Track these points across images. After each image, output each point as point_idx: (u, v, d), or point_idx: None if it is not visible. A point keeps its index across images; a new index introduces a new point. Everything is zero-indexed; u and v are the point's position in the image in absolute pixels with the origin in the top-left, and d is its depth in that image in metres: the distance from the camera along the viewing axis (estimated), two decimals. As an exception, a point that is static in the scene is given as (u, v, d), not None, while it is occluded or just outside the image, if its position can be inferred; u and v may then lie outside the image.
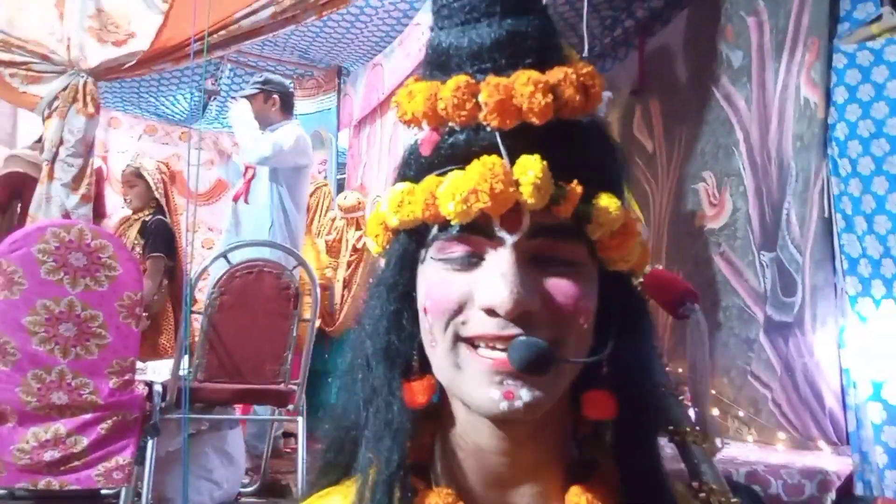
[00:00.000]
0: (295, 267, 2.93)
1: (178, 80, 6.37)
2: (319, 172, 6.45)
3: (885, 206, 2.77)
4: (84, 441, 2.70)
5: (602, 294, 0.62)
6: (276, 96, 4.12)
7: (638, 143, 4.27)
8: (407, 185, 0.63)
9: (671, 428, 0.78)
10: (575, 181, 0.59)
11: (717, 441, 0.82)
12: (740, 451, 2.83)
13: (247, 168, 4.02)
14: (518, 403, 0.56)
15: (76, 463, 2.70)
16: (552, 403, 0.59)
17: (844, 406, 2.86)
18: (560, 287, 0.59)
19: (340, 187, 6.84)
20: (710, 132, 3.72)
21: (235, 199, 3.94)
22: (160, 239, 4.05)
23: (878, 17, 2.92)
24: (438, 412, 0.66)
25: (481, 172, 0.57)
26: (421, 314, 0.62)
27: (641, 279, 0.77)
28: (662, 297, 0.82)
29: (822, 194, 3.01)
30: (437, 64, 0.63)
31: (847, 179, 2.90)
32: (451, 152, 0.61)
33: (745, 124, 3.49)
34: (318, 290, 3.14)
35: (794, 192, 3.14)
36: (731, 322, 3.46)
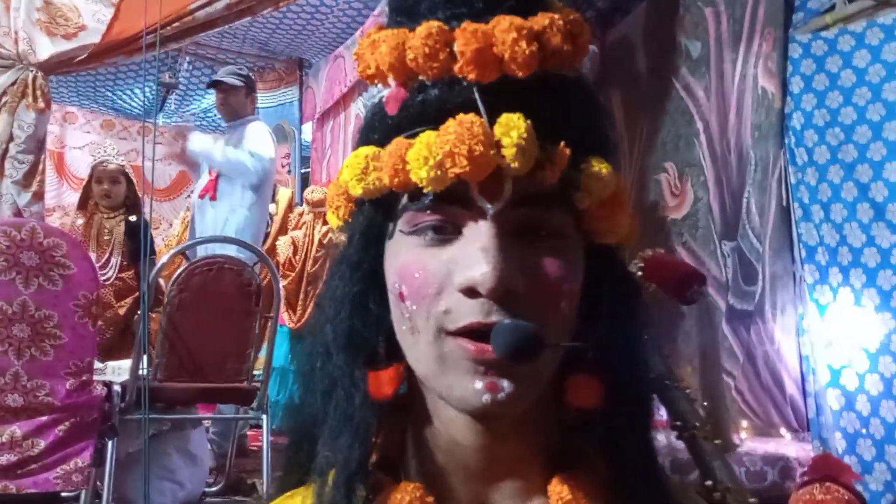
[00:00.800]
0: (256, 263, 2.89)
1: (136, 73, 6.23)
2: (283, 166, 6.38)
3: (841, 195, 2.82)
4: (41, 444, 2.63)
5: (588, 269, 0.56)
6: (255, 94, 4.15)
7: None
8: (372, 148, 0.56)
9: (678, 424, 0.71)
10: (562, 143, 0.52)
11: (735, 437, 0.75)
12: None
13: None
14: (501, 395, 0.51)
15: (34, 466, 2.63)
16: (536, 394, 0.54)
17: (804, 393, 2.91)
18: (546, 265, 0.53)
19: (305, 181, 6.78)
20: (671, 123, 3.75)
21: (201, 196, 3.88)
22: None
23: (832, 7, 2.96)
24: (409, 403, 0.60)
25: (458, 133, 0.50)
26: (393, 298, 0.55)
27: (642, 264, 0.72)
28: (666, 281, 0.75)
29: (780, 183, 3.05)
30: (404, 8, 0.56)
31: (804, 168, 2.94)
32: (421, 111, 0.53)
33: (705, 114, 3.52)
34: (280, 286, 3.10)
35: (754, 181, 3.19)
36: (693, 311, 3.51)
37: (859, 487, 2.44)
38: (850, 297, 2.74)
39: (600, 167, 0.54)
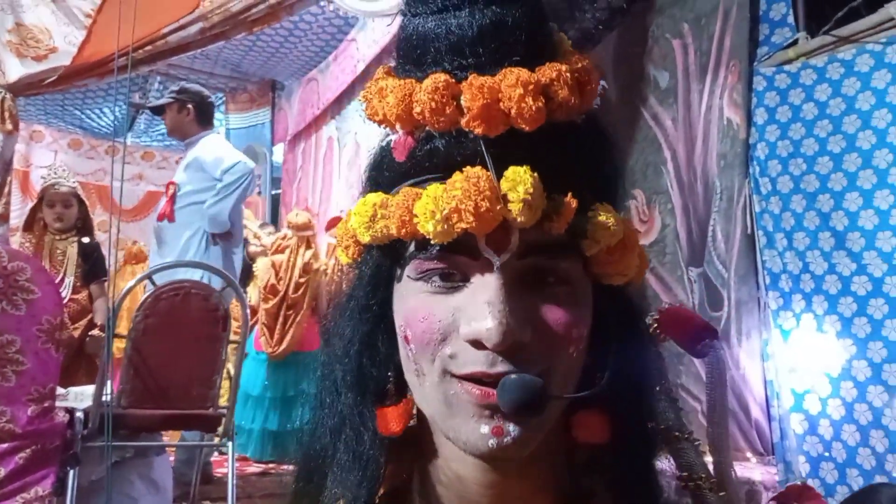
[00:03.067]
0: (224, 288, 2.86)
1: (105, 92, 6.19)
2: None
3: (804, 223, 2.88)
4: (1, 472, 2.56)
5: (596, 309, 0.56)
6: (189, 106, 3.85)
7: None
8: (380, 196, 0.56)
9: (685, 474, 0.70)
10: (570, 194, 0.52)
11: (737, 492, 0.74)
12: (671, 465, 2.88)
13: (168, 184, 3.86)
14: (507, 440, 0.51)
15: (-7, 494, 2.56)
16: (542, 437, 0.54)
17: (769, 417, 2.95)
18: (553, 313, 0.53)
19: (275, 202, 6.76)
20: (640, 151, 3.82)
21: (160, 219, 3.79)
22: (102, 262, 3.94)
23: (795, 42, 3.05)
24: (417, 437, 0.60)
25: (464, 189, 0.50)
26: (401, 341, 0.56)
27: (657, 316, 0.70)
28: (678, 334, 0.75)
29: (744, 211, 3.12)
30: (412, 57, 0.55)
31: (767, 197, 3.01)
32: (429, 160, 0.54)
33: (672, 143, 3.59)
34: (248, 311, 3.07)
35: (719, 209, 3.25)
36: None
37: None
38: (813, 323, 2.80)
39: (607, 216, 0.54)
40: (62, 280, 4.01)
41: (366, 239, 0.57)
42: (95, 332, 3.88)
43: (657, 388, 0.62)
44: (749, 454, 2.92)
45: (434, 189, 0.52)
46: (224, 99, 6.81)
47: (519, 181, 0.50)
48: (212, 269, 3.04)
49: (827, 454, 2.69)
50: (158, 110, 3.98)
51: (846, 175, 2.81)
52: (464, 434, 0.52)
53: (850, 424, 2.64)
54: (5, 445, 2.58)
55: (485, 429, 0.51)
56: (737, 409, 3.06)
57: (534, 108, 0.51)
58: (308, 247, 4.82)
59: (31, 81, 3.37)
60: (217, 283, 3.01)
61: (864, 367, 2.64)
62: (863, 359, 2.64)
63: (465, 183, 0.50)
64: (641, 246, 0.59)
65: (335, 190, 5.96)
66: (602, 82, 0.59)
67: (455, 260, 0.53)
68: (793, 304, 2.87)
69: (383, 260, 0.57)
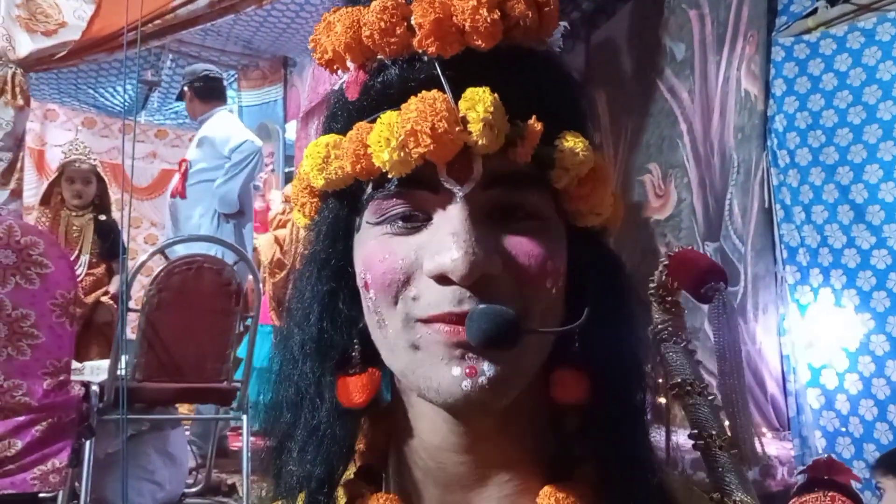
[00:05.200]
0: (237, 262, 2.86)
1: (118, 70, 6.17)
2: (267, 165, 6.34)
3: (822, 196, 2.84)
4: (18, 444, 2.59)
5: (572, 255, 0.52)
6: (185, 89, 3.95)
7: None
8: (332, 136, 0.52)
9: (695, 432, 0.63)
10: (533, 117, 0.48)
11: (758, 447, 0.66)
12: (686, 439, 2.87)
13: (181, 162, 3.88)
14: (482, 380, 0.46)
15: (11, 466, 2.59)
16: (522, 384, 0.49)
17: (785, 392, 2.93)
18: (523, 245, 0.48)
19: (289, 179, 6.74)
20: (655, 124, 3.77)
21: (172, 196, 3.81)
22: (118, 239, 3.98)
23: (814, 11, 2.98)
24: (391, 411, 0.56)
25: (420, 110, 0.46)
26: (362, 291, 0.51)
27: (667, 262, 0.64)
28: (682, 277, 0.69)
29: (762, 185, 3.07)
30: None
31: (786, 170, 2.96)
32: (383, 92, 0.50)
33: (689, 116, 3.54)
34: (261, 285, 3.08)
35: (736, 183, 3.20)
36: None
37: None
38: (831, 298, 2.76)
39: (576, 142, 0.50)
40: (77, 257, 4.03)
41: (319, 182, 0.52)
42: (105, 298, 3.91)
43: (640, 343, 0.57)
44: (765, 429, 2.90)
45: (388, 116, 0.48)
46: (236, 76, 6.78)
47: (478, 100, 0.47)
48: (225, 243, 3.05)
49: (844, 429, 2.66)
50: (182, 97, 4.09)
51: (866, 147, 2.75)
52: (435, 380, 0.47)
53: (867, 399, 2.61)
54: (22, 418, 2.61)
55: (457, 370, 0.47)
56: (753, 384, 3.03)
57: (489, 20, 0.47)
58: None
59: (41, 57, 3.36)
60: (230, 258, 3.02)
61: (883, 342, 2.60)
62: (881, 333, 2.60)
63: (421, 105, 0.47)
64: (615, 192, 0.55)
65: (348, 167, 5.94)
66: (564, 23, 0.55)
67: (415, 195, 0.49)
68: (810, 278, 2.83)
69: (340, 209, 0.53)
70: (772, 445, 2.80)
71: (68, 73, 6.17)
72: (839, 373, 2.70)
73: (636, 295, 0.59)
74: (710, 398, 0.64)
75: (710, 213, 3.39)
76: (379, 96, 0.50)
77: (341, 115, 0.53)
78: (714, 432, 0.64)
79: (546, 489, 0.52)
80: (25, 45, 3.37)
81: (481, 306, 0.46)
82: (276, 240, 4.78)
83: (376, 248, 0.50)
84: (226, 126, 3.84)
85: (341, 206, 0.53)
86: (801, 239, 2.87)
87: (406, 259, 0.49)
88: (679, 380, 0.66)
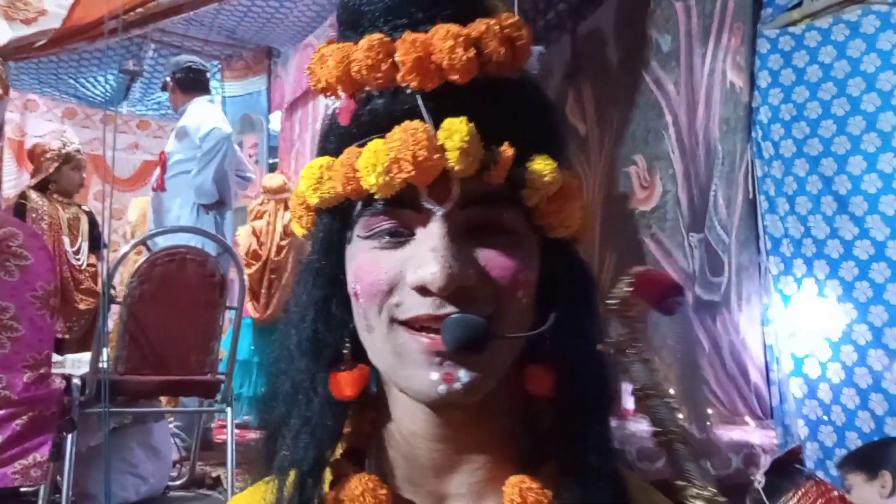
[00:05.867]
0: (220, 254, 2.83)
1: (99, 60, 6.09)
2: (251, 156, 6.29)
3: (806, 188, 2.85)
4: (-2, 438, 2.56)
5: (544, 264, 0.58)
6: (167, 80, 3.90)
7: (570, 127, 4.29)
8: (326, 159, 0.58)
9: (658, 430, 0.71)
10: (506, 143, 0.54)
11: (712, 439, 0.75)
12: (638, 428, 2.89)
13: (160, 154, 3.84)
14: (457, 385, 0.52)
15: (-9, 461, 2.56)
16: (493, 383, 0.55)
17: (768, 381, 2.95)
18: (497, 259, 0.54)
19: (272, 170, 6.69)
20: (641, 116, 3.77)
21: (153, 189, 3.77)
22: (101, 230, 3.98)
23: (799, 3, 3.00)
24: (377, 400, 0.62)
25: (402, 139, 0.52)
26: (353, 299, 0.57)
27: (633, 280, 0.72)
28: (648, 294, 0.77)
29: (746, 176, 3.08)
30: (349, 23, 0.58)
31: (770, 162, 2.97)
32: (370, 120, 0.55)
33: (674, 108, 3.55)
34: (245, 277, 3.05)
35: (721, 174, 3.21)
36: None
37: (819, 473, 2.48)
38: (814, 288, 2.78)
39: (544, 164, 0.55)
40: (80, 248, 4.03)
41: (314, 200, 0.58)
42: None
43: (605, 346, 0.64)
44: (748, 418, 2.92)
45: (374, 144, 0.54)
46: (220, 66, 6.71)
47: (455, 130, 0.52)
48: (209, 234, 3.01)
49: (826, 418, 2.69)
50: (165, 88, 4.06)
51: (850, 138, 2.77)
52: (415, 383, 0.54)
53: (849, 388, 2.64)
54: (2, 412, 2.57)
55: (434, 375, 0.53)
56: (736, 373, 3.06)
57: (464, 58, 0.53)
58: (286, 208, 4.77)
59: (20, 45, 3.31)
60: (211, 249, 2.99)
61: (865, 331, 2.63)
62: (864, 322, 2.63)
63: (403, 134, 0.52)
64: (585, 203, 0.61)
65: (333, 158, 5.91)
66: (538, 47, 0.61)
67: (400, 214, 0.55)
68: (794, 268, 2.85)
69: (333, 223, 0.59)
70: (755, 434, 2.83)
71: (48, 62, 6.08)
72: (822, 362, 2.72)
73: (599, 300, 0.65)
74: (666, 400, 0.70)
75: (694, 204, 3.40)
76: (367, 123, 0.56)
77: (334, 138, 0.59)
78: (675, 430, 0.70)
79: (513, 478, 0.57)
80: (4, 33, 3.31)
81: (454, 315, 0.52)
82: (254, 231, 4.72)
83: (365, 262, 0.56)
84: (198, 115, 3.78)
85: (334, 220, 0.59)
86: (785, 230, 2.89)
87: (390, 272, 0.55)
88: (639, 386, 0.72)
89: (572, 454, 0.58)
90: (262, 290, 4.59)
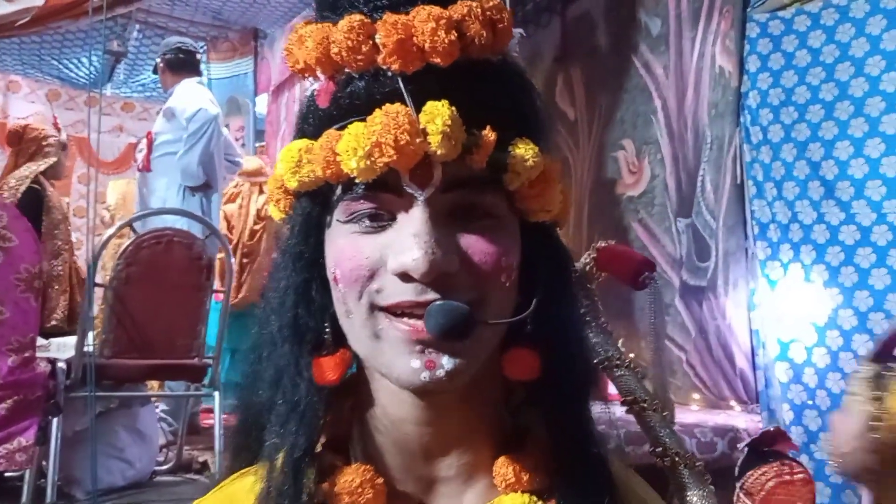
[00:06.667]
0: (207, 236, 2.81)
1: (83, 40, 6.00)
2: (237, 139, 6.23)
3: (793, 173, 2.86)
4: (-17, 423, 2.54)
5: (525, 247, 0.58)
6: (157, 61, 3.94)
7: (560, 111, 4.27)
8: (305, 141, 0.57)
9: (629, 398, 0.72)
10: (488, 127, 0.53)
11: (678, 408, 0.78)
12: (622, 413, 2.91)
13: (147, 134, 3.81)
14: (440, 372, 0.52)
15: (-24, 446, 2.54)
16: (476, 369, 0.55)
17: (754, 366, 2.97)
18: (479, 243, 0.54)
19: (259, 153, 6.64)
20: (630, 100, 3.76)
21: (139, 170, 3.75)
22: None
23: (789, -13, 2.98)
24: (355, 385, 0.61)
25: (384, 123, 0.51)
26: (332, 284, 0.57)
27: (594, 255, 0.73)
28: (619, 269, 0.79)
29: (735, 161, 3.08)
30: (328, 3, 0.57)
31: (758, 146, 2.97)
32: (350, 102, 0.55)
33: (663, 92, 3.54)
34: (232, 260, 3.03)
35: (709, 159, 3.21)
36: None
37: (804, 457, 2.51)
38: (800, 273, 2.79)
39: (526, 149, 0.55)
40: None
41: (293, 184, 0.57)
42: None
43: (585, 325, 0.66)
44: (733, 402, 2.94)
45: (355, 127, 0.53)
46: (205, 48, 6.63)
47: (437, 114, 0.51)
48: (195, 217, 2.99)
49: (811, 402, 2.71)
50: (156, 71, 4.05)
51: (838, 123, 2.77)
52: (396, 370, 0.53)
53: (834, 373, 2.66)
54: (-14, 396, 2.55)
55: (416, 363, 0.52)
56: (722, 358, 3.07)
57: (446, 41, 0.52)
58: (261, 192, 4.72)
59: (2, 24, 3.25)
60: (196, 231, 2.96)
61: (850, 316, 2.64)
62: (849, 307, 2.64)
63: (385, 118, 0.51)
64: (565, 185, 0.61)
65: (320, 142, 5.87)
66: (518, 30, 0.61)
67: (381, 198, 0.54)
68: (780, 253, 2.86)
69: (312, 207, 0.58)
70: (740, 418, 2.85)
71: (31, 42, 5.99)
72: (807, 347, 2.74)
73: (582, 284, 0.68)
74: (633, 369, 0.73)
75: (682, 189, 3.40)
76: (347, 106, 0.55)
77: (312, 120, 0.58)
78: (646, 398, 0.73)
79: (502, 459, 0.58)
80: (-15, 11, 3.25)
81: (438, 302, 0.52)
82: (225, 216, 4.60)
83: (345, 246, 0.55)
84: (186, 95, 3.77)
85: (313, 205, 0.58)
86: (773, 215, 2.90)
87: (371, 257, 0.54)
88: (603, 357, 0.75)
89: (560, 433, 0.59)
90: (234, 275, 4.55)
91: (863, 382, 1.16)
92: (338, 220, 0.56)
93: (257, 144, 6.58)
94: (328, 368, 0.58)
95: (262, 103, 6.73)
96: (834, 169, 2.75)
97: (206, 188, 3.68)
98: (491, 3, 0.56)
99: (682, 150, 3.41)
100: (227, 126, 4.74)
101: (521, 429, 0.61)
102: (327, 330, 0.59)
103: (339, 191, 0.56)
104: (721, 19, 3.20)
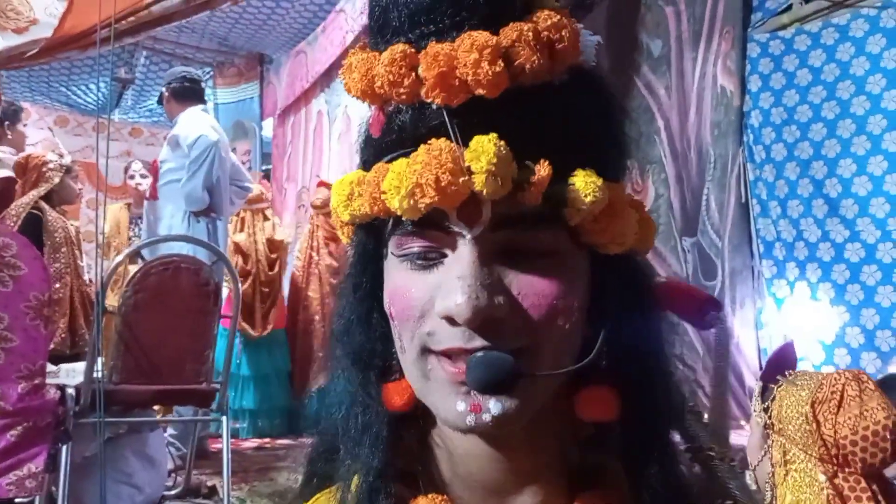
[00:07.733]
0: (214, 262, 2.83)
1: (91, 68, 6.08)
2: (244, 163, 6.28)
3: (797, 191, 2.87)
4: (-8, 450, 2.55)
5: (600, 280, 0.53)
6: (163, 90, 3.95)
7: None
8: (357, 173, 0.55)
9: (695, 446, 0.68)
10: (543, 161, 0.49)
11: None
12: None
13: (153, 162, 3.85)
14: (486, 417, 0.49)
15: (-15, 473, 2.54)
16: (529, 416, 0.51)
17: (762, 385, 2.96)
18: (532, 286, 0.50)
19: (267, 178, 6.69)
20: (633, 120, 3.78)
21: (146, 198, 3.78)
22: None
23: (789, 7, 3.01)
24: (422, 416, 0.59)
25: (425, 161, 0.48)
26: (389, 317, 0.55)
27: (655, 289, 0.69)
28: (682, 307, 0.72)
29: (738, 180, 3.10)
30: (377, 27, 0.53)
31: (762, 165, 2.99)
32: (398, 135, 0.52)
33: (666, 112, 3.56)
34: (240, 286, 3.05)
35: (713, 178, 3.23)
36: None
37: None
38: (807, 291, 2.79)
39: (587, 182, 0.50)
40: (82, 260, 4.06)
41: (345, 217, 0.56)
42: None
43: (668, 359, 0.58)
44: (743, 422, 2.93)
45: (399, 165, 0.50)
46: (212, 73, 6.71)
47: (482, 151, 0.48)
48: (203, 243, 3.01)
49: (820, 421, 2.69)
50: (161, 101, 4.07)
51: (840, 141, 2.79)
52: (442, 410, 0.52)
53: (843, 391, 2.64)
54: (-4, 423, 2.56)
55: (461, 406, 0.50)
56: (731, 377, 3.06)
57: (490, 73, 0.48)
58: (266, 219, 4.74)
59: (11, 54, 3.30)
60: (205, 257, 2.98)
61: (858, 334, 2.64)
62: (856, 325, 2.64)
63: (427, 156, 0.48)
64: (646, 212, 0.56)
65: (326, 164, 5.91)
66: (595, 37, 0.55)
67: (430, 234, 0.51)
68: (786, 272, 2.86)
69: (368, 238, 0.57)
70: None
71: (40, 70, 6.07)
72: (815, 365, 2.73)
73: (662, 311, 0.60)
74: (698, 415, 0.68)
75: (687, 208, 3.41)
76: (395, 139, 0.52)
77: (367, 149, 0.56)
78: (713, 446, 0.68)
79: (582, 496, 0.55)
80: (-5, 42, 3.30)
81: (479, 354, 0.49)
82: (237, 248, 4.56)
83: (397, 284, 0.53)
84: (188, 123, 3.80)
85: (368, 236, 0.57)
86: (777, 233, 2.90)
87: (421, 298, 0.52)
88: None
89: (636, 478, 0.55)
90: (257, 306, 4.53)
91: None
92: (392, 254, 0.54)
93: (264, 167, 6.64)
94: (395, 394, 0.57)
95: (268, 127, 6.79)
96: (838, 187, 2.76)
97: (210, 213, 3.70)
98: (549, 22, 0.51)
99: (685, 169, 3.42)
100: (233, 150, 4.77)
101: (594, 466, 0.57)
102: (393, 356, 0.57)
103: (390, 224, 0.54)
104: (721, 40, 3.23)
